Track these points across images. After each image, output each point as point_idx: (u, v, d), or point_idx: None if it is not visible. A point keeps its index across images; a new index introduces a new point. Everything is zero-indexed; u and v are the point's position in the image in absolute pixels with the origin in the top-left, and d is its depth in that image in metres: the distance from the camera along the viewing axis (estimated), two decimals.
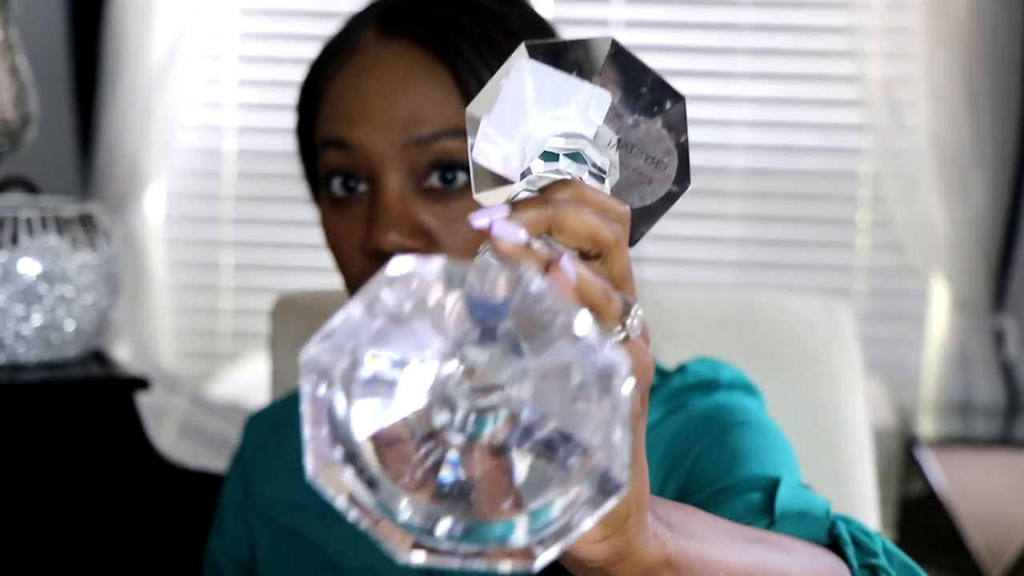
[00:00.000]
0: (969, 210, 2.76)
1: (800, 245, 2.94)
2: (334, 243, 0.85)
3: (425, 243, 0.81)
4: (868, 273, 2.94)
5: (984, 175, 2.76)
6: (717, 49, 2.91)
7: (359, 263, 0.83)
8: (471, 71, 0.82)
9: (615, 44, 0.53)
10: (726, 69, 2.91)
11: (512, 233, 0.46)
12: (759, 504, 0.72)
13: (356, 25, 0.87)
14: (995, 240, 2.78)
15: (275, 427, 1.01)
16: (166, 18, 2.84)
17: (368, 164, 0.82)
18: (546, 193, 0.49)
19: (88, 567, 1.33)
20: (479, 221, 0.47)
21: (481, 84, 0.81)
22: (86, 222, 1.39)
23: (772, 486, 0.73)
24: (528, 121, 0.53)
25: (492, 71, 0.81)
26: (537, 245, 0.47)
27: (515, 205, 0.48)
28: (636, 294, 0.51)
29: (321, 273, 2.92)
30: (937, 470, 2.45)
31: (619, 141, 0.54)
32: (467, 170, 0.81)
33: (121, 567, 1.34)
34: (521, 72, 0.53)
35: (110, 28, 2.84)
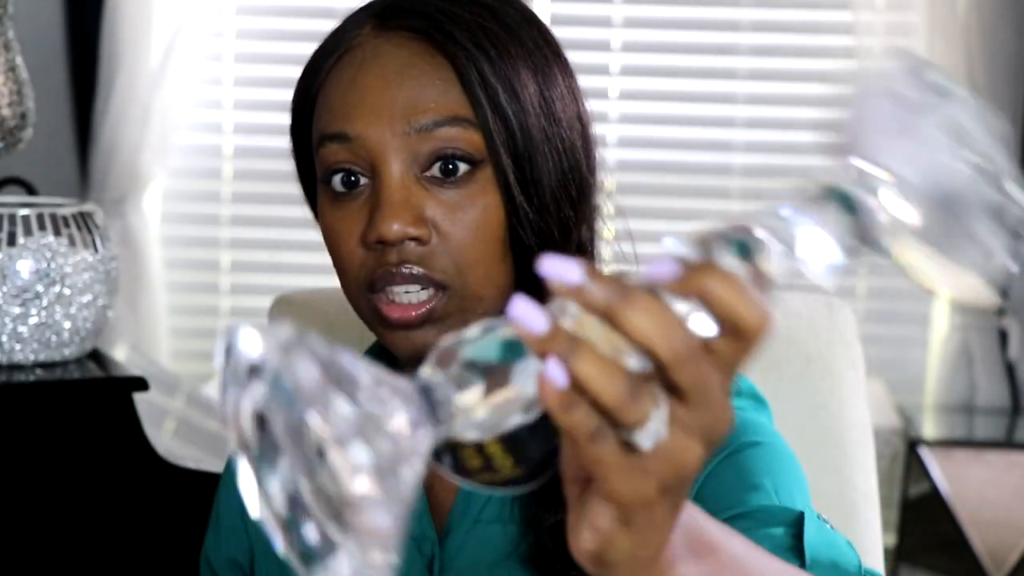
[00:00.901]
0: None
1: None
2: (334, 238, 0.84)
3: (428, 232, 0.80)
4: (870, 273, 2.93)
5: None
6: (718, 47, 2.90)
7: (360, 255, 0.82)
8: (470, 60, 0.81)
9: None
10: (727, 68, 2.90)
11: (534, 322, 0.46)
12: (784, 541, 0.71)
13: (351, 24, 0.86)
14: None
15: None
16: (163, 17, 2.84)
17: (369, 155, 0.81)
18: (691, 273, 0.47)
19: (86, 567, 1.33)
20: (547, 270, 0.47)
21: (481, 74, 0.80)
22: (83, 221, 1.38)
23: (795, 521, 0.72)
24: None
25: (491, 61, 0.81)
26: (567, 322, 0.46)
27: (592, 272, 0.46)
28: (707, 406, 0.47)
29: (319, 273, 2.91)
30: (939, 471, 2.44)
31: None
32: (469, 161, 0.81)
33: (119, 567, 1.34)
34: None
35: (107, 27, 2.83)
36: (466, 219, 0.81)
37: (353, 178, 0.82)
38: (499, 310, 0.82)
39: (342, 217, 0.83)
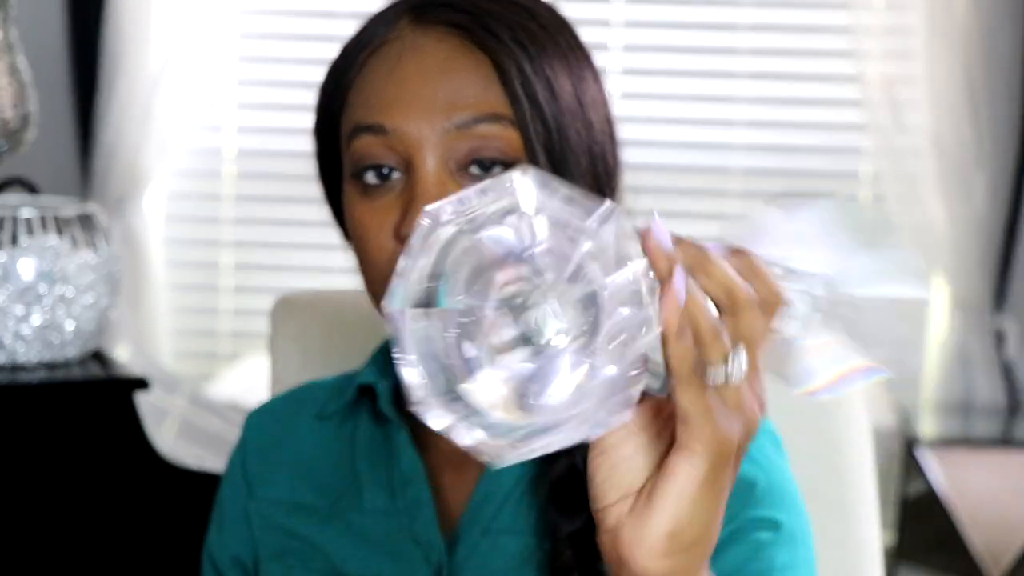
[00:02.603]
0: (970, 210, 2.76)
1: None
2: (363, 231, 0.82)
3: None
4: None
5: (985, 175, 2.76)
6: (718, 49, 2.91)
7: (391, 249, 0.80)
8: (511, 58, 0.80)
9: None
10: (727, 68, 2.90)
11: (663, 236, 0.55)
12: None
13: (385, 19, 0.85)
14: (996, 240, 2.78)
15: (277, 425, 1.00)
16: (165, 18, 2.84)
17: (405, 149, 0.80)
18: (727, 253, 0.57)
19: (88, 567, 1.33)
20: (654, 233, 0.55)
21: (521, 72, 0.79)
22: (86, 222, 1.38)
23: None
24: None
25: (530, 59, 0.80)
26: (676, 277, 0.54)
27: (675, 239, 0.56)
28: (759, 368, 0.57)
29: (321, 273, 2.92)
30: (937, 470, 2.44)
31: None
32: (505, 163, 0.80)
33: (121, 567, 1.34)
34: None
35: (110, 28, 2.84)
36: None
37: (385, 171, 0.81)
38: None
39: (373, 210, 0.82)
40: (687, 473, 0.56)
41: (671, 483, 0.56)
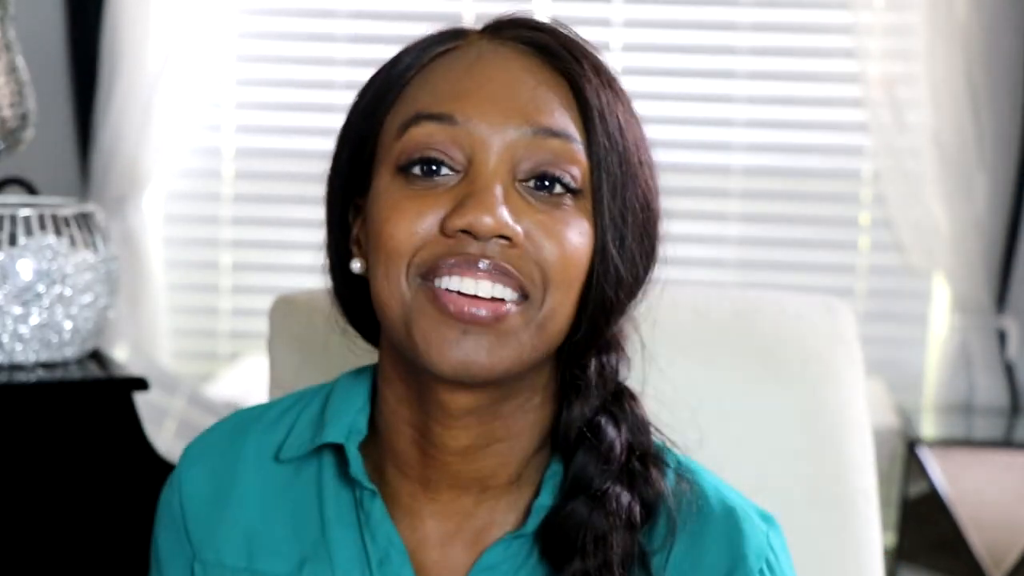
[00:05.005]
0: (971, 210, 2.76)
1: (801, 245, 2.93)
2: (395, 215, 0.74)
3: (521, 235, 0.73)
4: (869, 273, 2.93)
5: (986, 174, 2.76)
6: (718, 48, 2.90)
7: (422, 237, 0.73)
8: (591, 85, 0.76)
9: None
10: (727, 68, 2.90)
11: None
12: None
13: (453, 32, 0.80)
14: (997, 240, 2.78)
15: (220, 469, 0.87)
16: (164, 18, 2.84)
17: (471, 145, 0.73)
18: None
19: (86, 567, 1.33)
20: None
21: (600, 101, 0.75)
22: (84, 222, 1.38)
23: None
24: None
25: (604, 91, 0.76)
26: None
27: None
28: None
29: (321, 273, 2.92)
30: (938, 471, 2.44)
31: None
32: (570, 187, 0.75)
33: (119, 567, 1.34)
34: None
35: (109, 27, 2.84)
36: (560, 237, 0.74)
37: (437, 167, 0.74)
38: (545, 360, 0.78)
39: (413, 196, 0.74)
40: None
41: None
